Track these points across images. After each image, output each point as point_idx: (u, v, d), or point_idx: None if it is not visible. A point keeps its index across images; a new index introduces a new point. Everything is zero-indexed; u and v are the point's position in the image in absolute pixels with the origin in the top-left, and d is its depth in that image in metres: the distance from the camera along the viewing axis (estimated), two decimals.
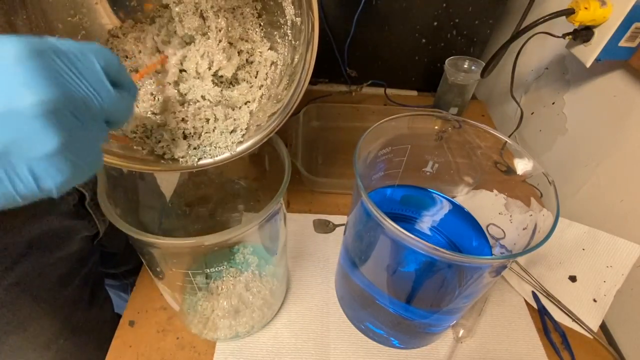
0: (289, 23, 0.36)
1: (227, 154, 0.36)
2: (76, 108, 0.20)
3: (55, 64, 0.20)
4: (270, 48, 0.40)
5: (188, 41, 0.38)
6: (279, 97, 0.37)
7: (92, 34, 0.38)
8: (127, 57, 0.39)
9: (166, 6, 0.38)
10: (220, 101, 0.37)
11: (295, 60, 0.35)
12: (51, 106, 0.19)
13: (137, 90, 0.28)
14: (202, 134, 0.37)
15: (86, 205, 0.49)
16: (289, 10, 0.35)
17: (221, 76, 0.38)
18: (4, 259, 0.40)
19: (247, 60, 0.40)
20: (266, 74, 0.40)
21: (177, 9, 0.36)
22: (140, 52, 0.38)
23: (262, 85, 0.39)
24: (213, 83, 0.38)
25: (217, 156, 0.36)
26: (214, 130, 0.37)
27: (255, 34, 0.40)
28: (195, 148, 0.36)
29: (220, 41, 0.37)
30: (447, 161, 0.45)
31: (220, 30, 0.37)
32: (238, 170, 0.50)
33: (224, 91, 0.38)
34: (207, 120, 0.37)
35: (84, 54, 0.21)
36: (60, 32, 0.36)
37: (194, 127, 0.36)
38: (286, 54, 0.38)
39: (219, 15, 0.37)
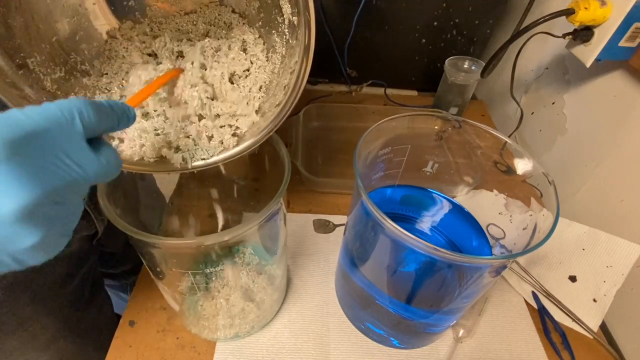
0: (286, 22, 0.36)
1: (222, 156, 0.36)
2: (58, 195, 0.20)
3: (33, 155, 0.19)
4: (268, 47, 0.40)
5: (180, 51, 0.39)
6: (277, 97, 0.37)
7: (91, 35, 0.38)
8: (123, 56, 0.39)
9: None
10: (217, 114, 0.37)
11: (293, 61, 0.35)
12: (30, 207, 0.18)
13: (133, 117, 0.27)
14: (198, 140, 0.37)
15: (84, 204, 0.49)
16: (286, 8, 0.35)
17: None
18: None
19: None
20: (264, 76, 0.40)
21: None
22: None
23: (260, 87, 0.39)
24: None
25: (210, 158, 0.36)
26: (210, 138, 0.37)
27: (256, 47, 0.40)
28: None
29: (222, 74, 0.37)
30: (447, 161, 0.45)
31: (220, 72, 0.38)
32: (238, 170, 0.50)
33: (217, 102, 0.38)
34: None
35: (59, 124, 0.20)
36: (59, 34, 0.36)
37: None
38: (284, 52, 0.38)
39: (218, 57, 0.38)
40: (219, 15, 0.41)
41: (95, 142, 0.23)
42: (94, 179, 0.22)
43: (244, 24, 0.41)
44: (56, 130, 0.20)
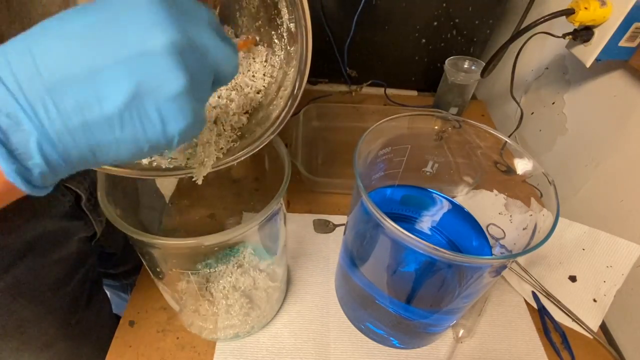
0: (284, 26, 0.36)
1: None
2: (195, 53, 0.21)
3: (177, 10, 0.20)
4: (268, 50, 0.40)
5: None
6: (274, 102, 0.37)
7: None
8: None
9: None
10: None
11: (292, 64, 0.35)
12: (179, 48, 0.19)
13: (237, 50, 0.28)
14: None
15: (82, 206, 0.49)
16: (284, 12, 0.34)
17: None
18: None
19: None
20: (262, 81, 0.40)
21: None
22: None
23: (259, 91, 0.39)
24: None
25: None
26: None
27: (257, 50, 0.40)
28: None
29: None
30: (447, 161, 0.45)
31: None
32: (238, 170, 0.50)
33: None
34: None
35: (197, 6, 0.22)
36: None
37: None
38: (282, 57, 0.38)
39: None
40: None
41: None
42: (219, 58, 0.22)
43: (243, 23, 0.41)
44: (193, 4, 0.22)
